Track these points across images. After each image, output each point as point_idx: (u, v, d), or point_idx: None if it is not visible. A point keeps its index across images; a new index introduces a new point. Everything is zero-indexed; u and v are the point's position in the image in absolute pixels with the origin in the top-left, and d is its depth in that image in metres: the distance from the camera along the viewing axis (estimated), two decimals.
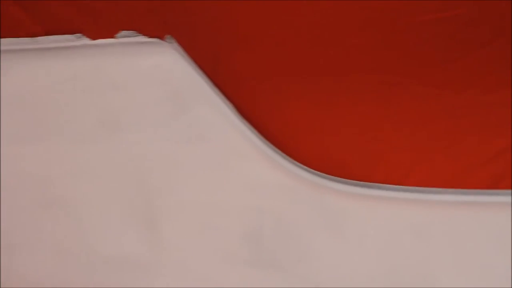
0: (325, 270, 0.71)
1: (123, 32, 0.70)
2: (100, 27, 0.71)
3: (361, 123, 0.72)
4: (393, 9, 0.68)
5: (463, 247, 0.70)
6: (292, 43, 0.71)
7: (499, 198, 0.71)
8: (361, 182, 0.70)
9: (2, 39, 0.68)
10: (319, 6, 0.69)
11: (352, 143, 0.71)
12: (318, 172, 0.71)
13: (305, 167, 0.72)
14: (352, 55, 0.71)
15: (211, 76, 0.72)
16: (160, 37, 0.69)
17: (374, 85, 0.72)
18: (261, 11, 0.69)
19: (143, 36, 0.69)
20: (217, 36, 0.72)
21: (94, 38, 0.68)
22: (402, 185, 0.71)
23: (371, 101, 0.71)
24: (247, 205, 0.72)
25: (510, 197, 0.70)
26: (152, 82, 0.71)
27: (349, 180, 0.71)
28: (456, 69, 0.71)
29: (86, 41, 0.67)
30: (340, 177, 0.71)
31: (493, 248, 0.69)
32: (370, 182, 0.71)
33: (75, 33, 0.68)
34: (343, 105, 0.71)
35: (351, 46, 0.70)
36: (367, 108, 0.72)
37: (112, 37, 0.69)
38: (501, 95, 0.72)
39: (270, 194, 0.71)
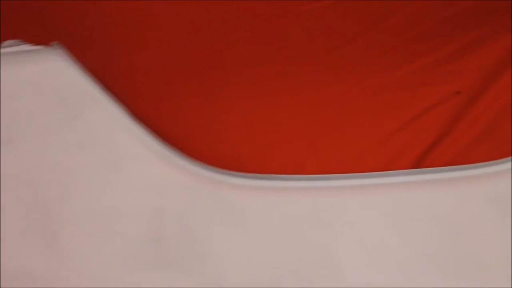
0: (230, 266, 0.70)
1: (8, 42, 0.70)
2: None
3: (253, 115, 0.73)
4: (275, 1, 0.70)
5: (363, 231, 0.71)
6: (179, 41, 0.72)
7: (394, 179, 0.72)
8: (256, 174, 0.71)
9: None
10: (202, 3, 0.71)
11: (245, 136, 0.72)
12: (215, 168, 0.72)
13: (201, 163, 0.72)
14: (239, 49, 0.73)
15: (102, 79, 0.72)
16: (46, 44, 0.70)
17: (263, 77, 0.73)
18: (145, 13, 0.71)
19: (29, 44, 0.69)
20: (105, 40, 0.72)
21: None
22: (298, 174, 0.72)
23: (260, 93, 0.72)
24: (147, 207, 0.72)
25: (403, 177, 0.71)
26: (40, 90, 0.71)
27: (244, 174, 0.71)
28: (340, 56, 0.73)
29: None
30: (237, 171, 0.72)
31: (390, 229, 0.71)
32: (266, 173, 0.72)
33: None
34: (234, 99, 0.72)
35: (237, 40, 0.72)
36: (257, 101, 0.73)
37: None
38: (385, 78, 0.74)
39: (169, 193, 0.71)
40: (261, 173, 0.73)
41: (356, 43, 0.70)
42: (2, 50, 0.70)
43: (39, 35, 0.74)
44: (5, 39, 0.72)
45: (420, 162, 0.73)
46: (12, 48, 0.70)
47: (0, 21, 0.70)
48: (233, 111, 0.72)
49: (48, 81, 0.70)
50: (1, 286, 0.74)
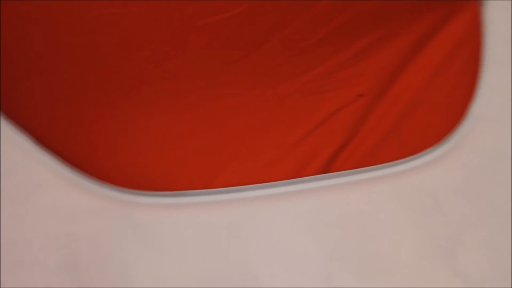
0: (147, 286, 0.90)
1: None
2: None
3: (159, 133, 0.92)
4: (173, 17, 0.90)
5: (277, 239, 0.90)
6: (81, 63, 0.92)
7: (304, 185, 0.93)
8: (167, 192, 0.90)
9: None
10: (101, 24, 0.90)
11: (153, 154, 0.91)
12: (125, 189, 0.91)
13: (110, 185, 0.91)
14: (140, 68, 0.92)
15: (3, 109, 0.91)
16: None
17: (166, 94, 0.93)
18: (46, 34, 0.89)
19: None
20: (4, 62, 0.91)
21: None
22: (210, 188, 0.93)
23: (164, 110, 0.92)
24: (59, 234, 0.90)
25: (313, 183, 0.92)
26: None
27: (155, 192, 0.90)
28: (240, 68, 0.93)
29: None
30: (148, 190, 0.91)
31: (304, 235, 0.91)
32: (177, 190, 0.92)
33: None
34: (138, 118, 0.92)
35: (138, 59, 0.92)
36: (162, 118, 0.92)
37: None
38: (288, 87, 0.95)
39: (80, 219, 0.90)
40: (172, 190, 0.93)
41: (256, 54, 0.91)
42: None
43: None
44: None
45: (329, 166, 0.93)
46: None
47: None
48: (139, 131, 0.91)
49: None
50: None
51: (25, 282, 0.82)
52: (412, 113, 0.89)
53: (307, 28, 0.85)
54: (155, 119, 0.85)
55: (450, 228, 0.87)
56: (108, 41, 0.82)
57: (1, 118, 0.82)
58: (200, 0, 0.82)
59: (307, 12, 0.84)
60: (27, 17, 0.81)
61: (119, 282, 0.82)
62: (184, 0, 0.82)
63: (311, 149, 0.86)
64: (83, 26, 0.81)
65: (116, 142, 0.85)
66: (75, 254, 0.83)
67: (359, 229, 0.86)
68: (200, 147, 0.85)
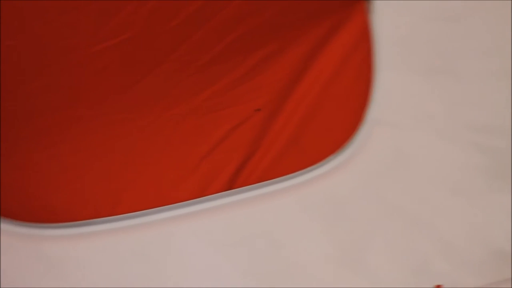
0: None
1: None
2: None
3: (59, 162, 1.33)
4: (67, 45, 1.26)
5: (188, 261, 1.42)
6: None
7: (210, 204, 1.46)
8: (72, 223, 1.36)
9: None
10: None
11: (54, 186, 1.33)
12: (29, 223, 1.36)
13: (14, 221, 1.34)
14: (34, 99, 1.36)
15: None
16: None
17: (63, 123, 1.31)
18: None
19: None
20: None
21: None
22: (115, 214, 1.44)
23: (63, 139, 1.24)
24: None
25: (219, 200, 1.46)
26: None
27: (59, 224, 1.33)
28: (137, 91, 1.38)
29: None
30: (52, 222, 1.40)
31: (213, 252, 1.38)
32: (81, 220, 1.43)
33: None
34: (37, 150, 1.29)
35: (33, 89, 1.36)
36: (62, 147, 1.23)
37: None
38: (186, 107, 1.47)
39: None
40: (77, 220, 1.43)
41: (151, 77, 1.36)
42: None
43: None
44: None
45: (233, 182, 1.25)
46: None
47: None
48: (38, 163, 1.25)
49: None
50: None
51: None
52: (310, 123, 1.23)
53: (199, 48, 1.27)
54: (53, 150, 1.14)
55: (357, 233, 1.21)
56: (1, 73, 1.12)
57: None
58: (92, 26, 1.12)
59: (198, 32, 1.27)
60: None
61: None
62: (76, 28, 1.11)
63: (214, 167, 1.19)
64: None
65: (15, 176, 1.13)
66: None
67: (268, 242, 1.18)
68: (101, 174, 1.16)
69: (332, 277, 1.21)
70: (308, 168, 1.26)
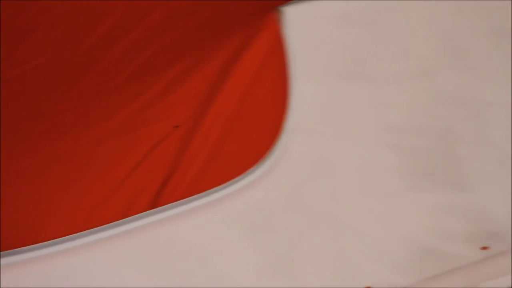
0: None
1: None
2: None
3: None
4: None
5: (114, 282, 1.62)
6: None
7: (134, 224, 1.69)
8: None
9: None
10: None
11: None
12: None
13: None
14: None
15: None
16: None
17: None
18: None
19: None
20: None
21: None
22: (39, 242, 1.64)
23: None
24: None
25: (144, 220, 1.68)
26: None
27: None
28: (52, 117, 1.60)
29: None
30: None
31: (140, 273, 1.58)
32: (5, 250, 1.60)
33: None
34: None
35: None
36: None
37: None
38: (104, 128, 1.66)
39: None
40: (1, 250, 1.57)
41: (66, 100, 1.45)
42: None
43: None
44: None
45: (157, 201, 1.38)
46: None
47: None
48: None
49: None
50: None
51: None
52: (230, 136, 1.38)
53: (113, 68, 1.30)
54: None
55: (284, 241, 1.35)
56: None
57: None
58: (4, 52, 1.23)
59: (111, 53, 1.32)
60: None
61: None
62: None
63: (136, 187, 1.31)
64: None
65: None
66: None
67: (196, 257, 1.31)
68: (22, 203, 1.26)
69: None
70: (231, 181, 1.39)
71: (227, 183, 1.40)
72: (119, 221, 1.37)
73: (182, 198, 1.38)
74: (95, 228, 1.36)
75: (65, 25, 1.25)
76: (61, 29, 1.24)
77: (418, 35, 1.60)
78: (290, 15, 1.59)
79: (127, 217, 1.37)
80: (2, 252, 1.31)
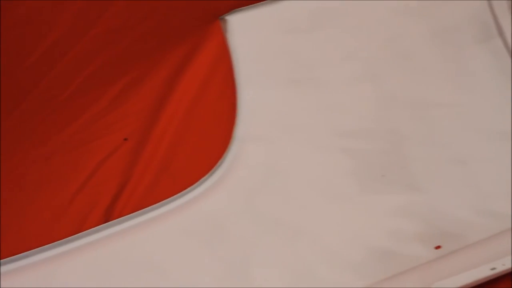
0: None
1: None
2: None
3: None
4: None
5: None
6: None
7: (88, 239, 1.68)
8: None
9: None
10: None
11: None
12: None
13: None
14: None
15: None
16: None
17: None
18: None
19: None
20: None
21: None
22: None
23: None
24: None
25: (97, 234, 1.68)
26: None
27: None
28: (1, 132, 1.66)
29: None
30: None
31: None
32: None
33: None
34: None
35: None
36: None
37: None
38: (53, 143, 1.64)
39: None
40: None
41: (13, 117, 1.40)
42: None
43: None
44: None
45: (110, 215, 1.37)
46: None
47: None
48: None
49: None
50: None
51: None
52: (180, 146, 1.41)
53: (59, 83, 1.33)
54: None
55: (240, 250, 1.36)
56: None
57: None
58: None
59: (56, 67, 1.36)
60: None
61: None
62: None
63: (87, 201, 1.31)
64: None
65: None
66: None
67: (153, 270, 1.32)
68: None
69: None
70: (183, 192, 1.41)
71: (180, 193, 1.42)
72: (71, 236, 1.37)
73: (135, 211, 1.39)
74: (48, 245, 1.36)
75: (8, 41, 1.26)
76: (4, 46, 1.25)
77: (363, 39, 1.64)
78: (234, 23, 1.64)
79: (80, 232, 1.37)
80: None
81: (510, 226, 1.26)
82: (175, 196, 1.43)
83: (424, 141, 1.52)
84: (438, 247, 1.34)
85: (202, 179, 1.44)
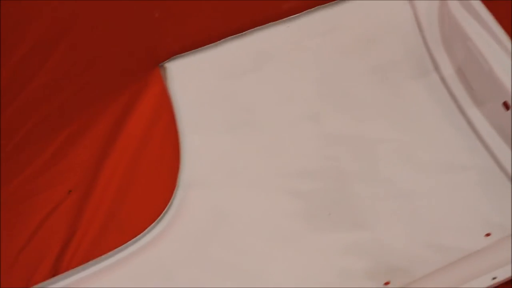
0: None
1: None
2: None
3: None
4: None
5: None
6: None
7: None
8: None
9: None
10: None
11: None
12: None
13: None
14: None
15: None
16: None
17: None
18: None
19: None
20: None
21: None
22: None
23: None
24: None
25: None
26: None
27: None
28: None
29: None
30: None
31: None
32: None
33: None
34: None
35: None
36: None
37: None
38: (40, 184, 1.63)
39: None
40: None
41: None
42: None
43: None
44: None
45: (57, 269, 1.37)
46: None
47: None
48: None
49: None
50: None
51: None
52: (126, 196, 1.44)
53: (3, 134, 1.35)
54: None
55: None
56: None
57: None
58: None
59: None
60: None
61: None
62: None
63: (34, 256, 1.32)
64: None
65: None
66: None
67: None
68: None
69: None
70: (131, 241, 1.43)
71: (127, 243, 1.43)
72: None
73: (84, 263, 1.41)
74: None
75: None
76: None
77: (302, 79, 1.72)
78: (174, 70, 1.70)
79: (28, 287, 1.35)
80: None
81: (458, 258, 1.33)
82: (122, 246, 1.44)
83: (368, 178, 1.57)
84: (387, 283, 1.38)
85: (149, 227, 1.47)
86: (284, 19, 1.69)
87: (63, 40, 1.41)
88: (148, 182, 1.54)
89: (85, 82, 1.50)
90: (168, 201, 1.49)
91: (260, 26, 1.68)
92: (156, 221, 1.47)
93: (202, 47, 1.65)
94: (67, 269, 1.42)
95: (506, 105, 1.44)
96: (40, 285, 1.38)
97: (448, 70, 1.66)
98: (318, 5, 1.68)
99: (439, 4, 1.65)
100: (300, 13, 1.69)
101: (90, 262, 1.42)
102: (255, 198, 1.54)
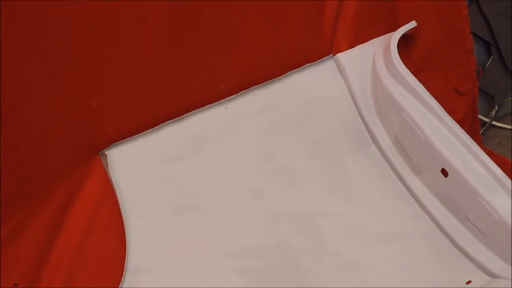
0: None
1: None
2: None
3: None
4: None
5: None
6: None
7: None
8: None
9: None
10: None
11: None
12: None
13: None
14: None
15: None
16: None
17: None
18: None
19: None
20: None
21: None
22: None
23: None
24: None
25: None
26: None
27: None
28: None
29: None
30: None
31: None
32: None
33: None
34: None
35: None
36: None
37: None
38: None
39: None
40: None
41: None
42: None
43: None
44: None
45: None
46: None
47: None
48: None
49: None
50: None
51: None
52: (71, 285, 1.49)
53: None
54: None
55: None
56: None
57: None
58: None
59: None
60: None
61: None
62: None
63: None
64: None
65: None
66: None
67: None
68: None
69: None
70: None
71: None
72: None
73: None
74: None
75: None
76: None
77: (242, 158, 1.78)
78: (114, 157, 1.74)
79: None
80: None
81: None
82: None
83: (314, 252, 1.63)
84: None
85: None
86: (221, 100, 1.77)
87: (2, 132, 1.42)
88: (94, 269, 1.56)
89: (24, 174, 1.54)
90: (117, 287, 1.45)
91: (199, 109, 1.75)
92: None
93: (141, 133, 1.71)
94: None
95: (444, 172, 1.46)
96: None
97: (385, 141, 1.73)
98: (254, 85, 1.77)
99: (372, 76, 1.71)
100: (236, 94, 1.77)
101: None
102: (203, 278, 1.60)
